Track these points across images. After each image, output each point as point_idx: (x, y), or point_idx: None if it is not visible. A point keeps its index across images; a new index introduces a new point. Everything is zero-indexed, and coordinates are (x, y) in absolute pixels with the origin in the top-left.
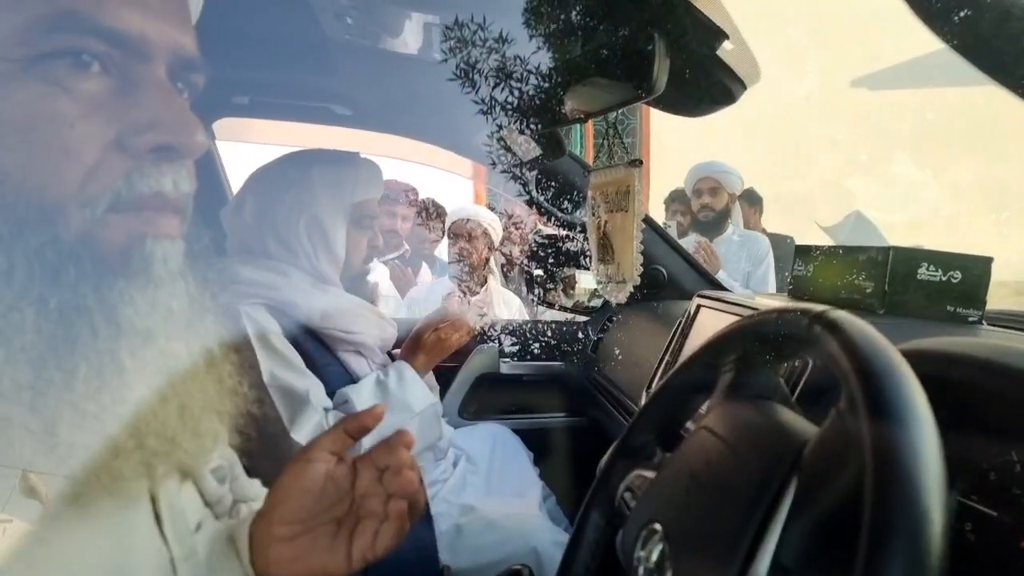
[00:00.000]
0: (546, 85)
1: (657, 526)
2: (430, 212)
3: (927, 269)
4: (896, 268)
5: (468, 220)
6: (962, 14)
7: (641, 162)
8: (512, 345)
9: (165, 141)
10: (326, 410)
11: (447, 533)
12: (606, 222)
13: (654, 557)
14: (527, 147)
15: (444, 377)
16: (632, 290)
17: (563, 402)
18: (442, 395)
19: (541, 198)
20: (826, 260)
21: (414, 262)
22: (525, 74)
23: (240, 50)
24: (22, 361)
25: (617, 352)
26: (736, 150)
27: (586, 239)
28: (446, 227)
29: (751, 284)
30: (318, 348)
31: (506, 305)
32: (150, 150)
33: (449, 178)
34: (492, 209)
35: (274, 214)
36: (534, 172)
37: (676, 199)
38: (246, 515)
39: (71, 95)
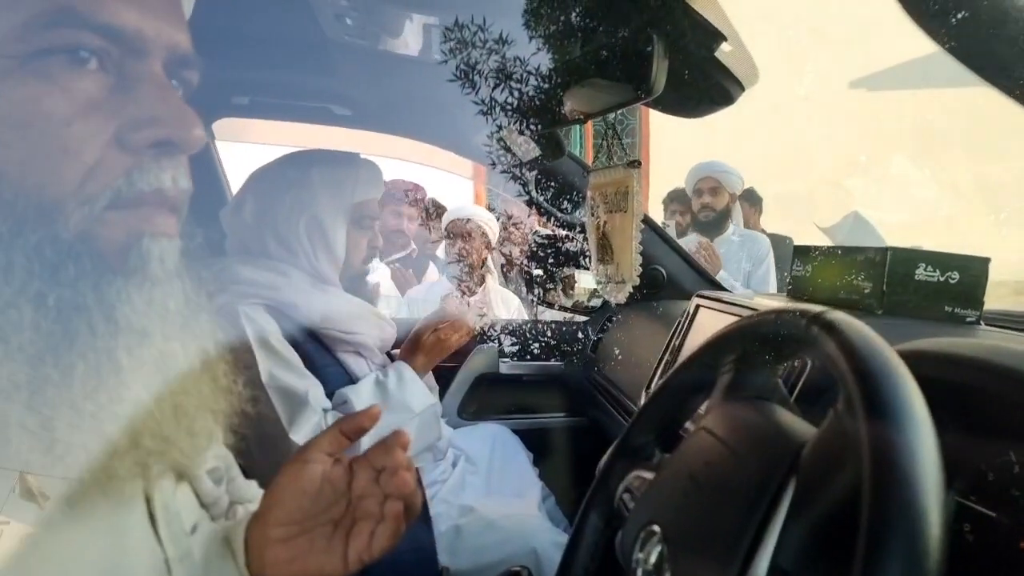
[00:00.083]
0: (546, 86)
1: (656, 527)
2: (430, 212)
3: (925, 269)
4: (894, 268)
5: (465, 220)
6: (959, 16)
7: (640, 163)
8: (511, 345)
9: (164, 136)
10: (325, 411)
11: (446, 534)
12: (605, 222)
13: (653, 558)
14: (527, 147)
15: (443, 377)
16: (631, 290)
17: (562, 402)
18: (441, 395)
19: (541, 198)
20: (825, 260)
21: (421, 262)
22: (525, 75)
23: (240, 50)
24: (20, 359)
25: (616, 352)
26: (735, 151)
27: (585, 239)
28: (443, 227)
29: (752, 284)
30: (317, 349)
31: (505, 305)
32: (149, 145)
33: (449, 178)
34: (491, 209)
35: (274, 214)
36: (534, 172)
37: (675, 199)
38: (242, 517)
39: (69, 92)
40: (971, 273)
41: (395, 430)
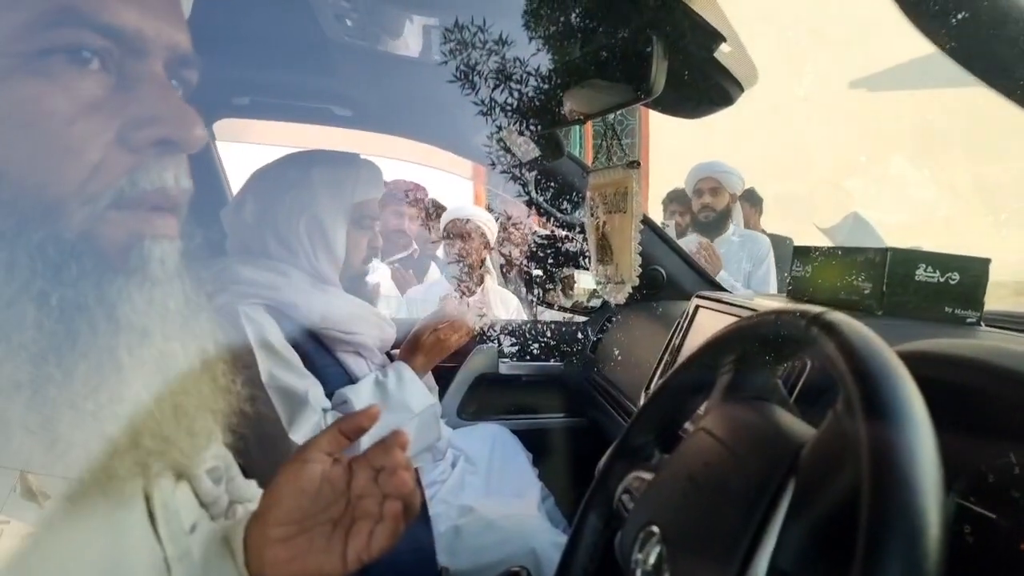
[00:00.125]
0: (545, 87)
1: (655, 528)
2: (430, 213)
3: (925, 270)
4: (894, 269)
5: (463, 220)
6: (959, 17)
7: (639, 163)
8: (511, 345)
9: (165, 135)
10: (325, 411)
11: (445, 534)
12: (605, 223)
13: (652, 559)
14: (526, 148)
15: (443, 377)
16: (631, 291)
17: (562, 403)
18: (441, 395)
19: (540, 199)
20: (824, 261)
21: (423, 262)
22: (524, 76)
23: (240, 51)
24: (22, 357)
25: (616, 353)
26: (734, 151)
27: (585, 240)
28: (441, 227)
29: (752, 284)
30: (317, 349)
31: (504, 305)
32: (151, 144)
33: (449, 179)
34: (490, 210)
35: (274, 214)
36: (533, 173)
37: (674, 199)
38: (242, 516)
39: (71, 92)
40: (971, 274)
41: (394, 430)
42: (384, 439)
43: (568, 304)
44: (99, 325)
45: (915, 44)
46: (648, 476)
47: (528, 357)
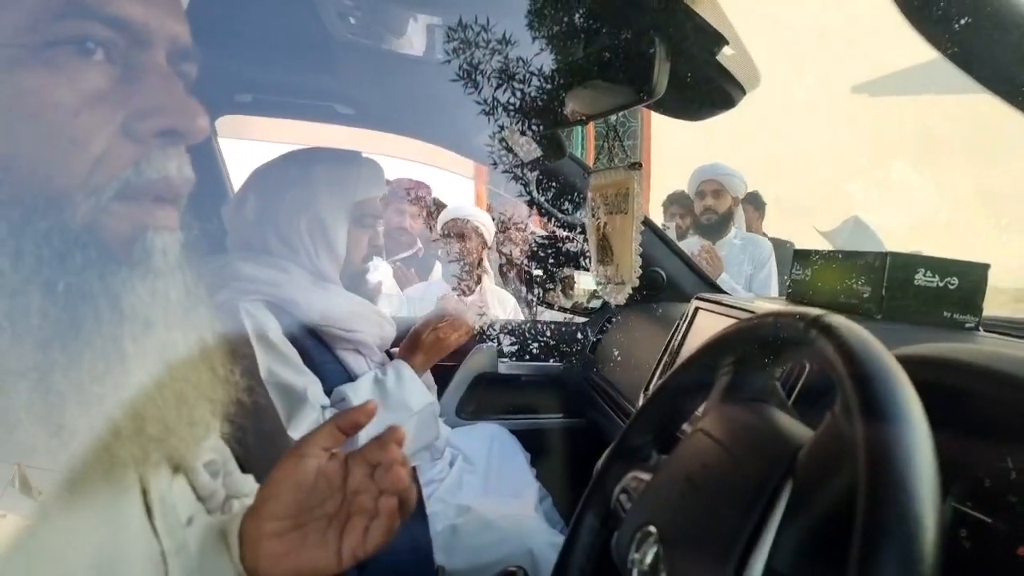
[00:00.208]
0: (548, 87)
1: (652, 528)
2: (432, 212)
3: (924, 275)
4: (893, 273)
5: (460, 220)
6: (961, 22)
7: (641, 165)
8: (510, 345)
9: (169, 125)
10: (323, 408)
11: (443, 533)
12: (605, 224)
13: (648, 559)
14: (528, 148)
15: (442, 376)
16: (631, 292)
17: (561, 403)
18: (440, 394)
19: (542, 199)
20: (824, 265)
21: (427, 261)
22: (527, 76)
23: (244, 48)
24: (28, 344)
25: (615, 354)
26: (736, 154)
27: (585, 240)
28: (438, 227)
29: (753, 287)
30: (317, 346)
31: (501, 304)
32: (155, 135)
33: (450, 178)
34: (490, 209)
35: (275, 211)
36: (535, 173)
37: (675, 201)
38: (238, 510)
39: (77, 83)
40: (970, 279)
41: (391, 426)
42: (381, 435)
43: (568, 304)
44: (104, 314)
45: (917, 50)
46: (646, 477)
47: (527, 357)
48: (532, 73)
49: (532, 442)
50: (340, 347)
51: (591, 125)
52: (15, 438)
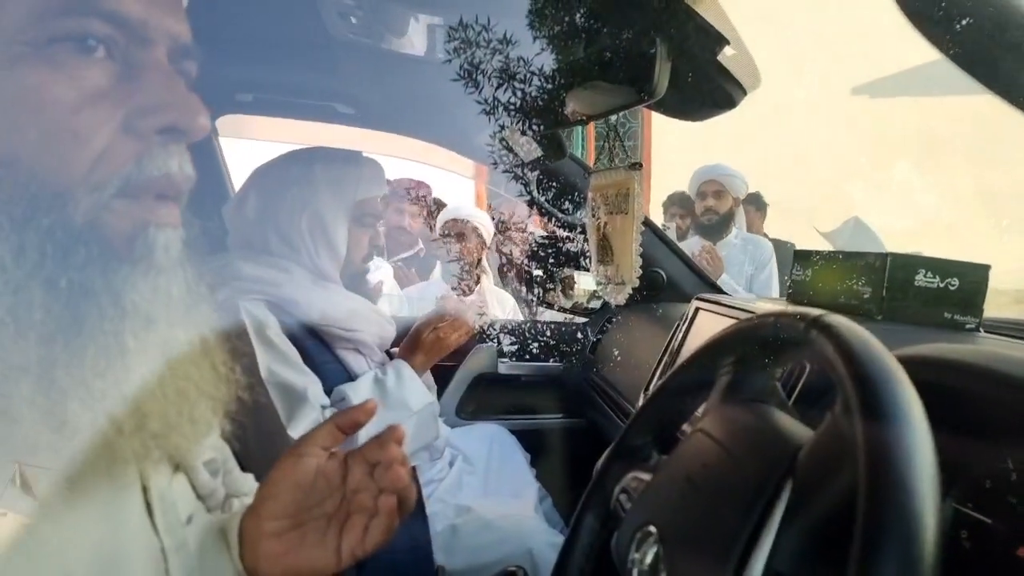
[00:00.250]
0: (549, 87)
1: (652, 528)
2: (433, 212)
3: (925, 275)
4: (894, 274)
5: (458, 220)
6: (963, 23)
7: (641, 165)
8: (510, 345)
9: (171, 122)
10: (323, 408)
11: (442, 533)
12: (606, 224)
13: (648, 559)
14: (529, 148)
15: (442, 376)
16: (631, 292)
17: (561, 403)
18: (440, 394)
19: (542, 199)
20: (825, 265)
21: (429, 261)
22: (528, 76)
23: (245, 47)
24: (30, 340)
25: (615, 354)
26: (737, 155)
27: (585, 240)
28: (437, 227)
29: (754, 288)
30: (317, 345)
31: (500, 304)
32: (156, 131)
33: (450, 178)
34: (491, 208)
35: (276, 211)
36: (535, 173)
37: (675, 202)
38: (238, 509)
39: (78, 80)
40: (971, 280)
41: (390, 425)
42: (380, 434)
43: (568, 305)
44: (106, 310)
45: (918, 51)
46: (646, 477)
47: (527, 357)
48: (533, 73)
49: (532, 442)
50: (340, 347)
51: (591, 125)
52: (17, 434)
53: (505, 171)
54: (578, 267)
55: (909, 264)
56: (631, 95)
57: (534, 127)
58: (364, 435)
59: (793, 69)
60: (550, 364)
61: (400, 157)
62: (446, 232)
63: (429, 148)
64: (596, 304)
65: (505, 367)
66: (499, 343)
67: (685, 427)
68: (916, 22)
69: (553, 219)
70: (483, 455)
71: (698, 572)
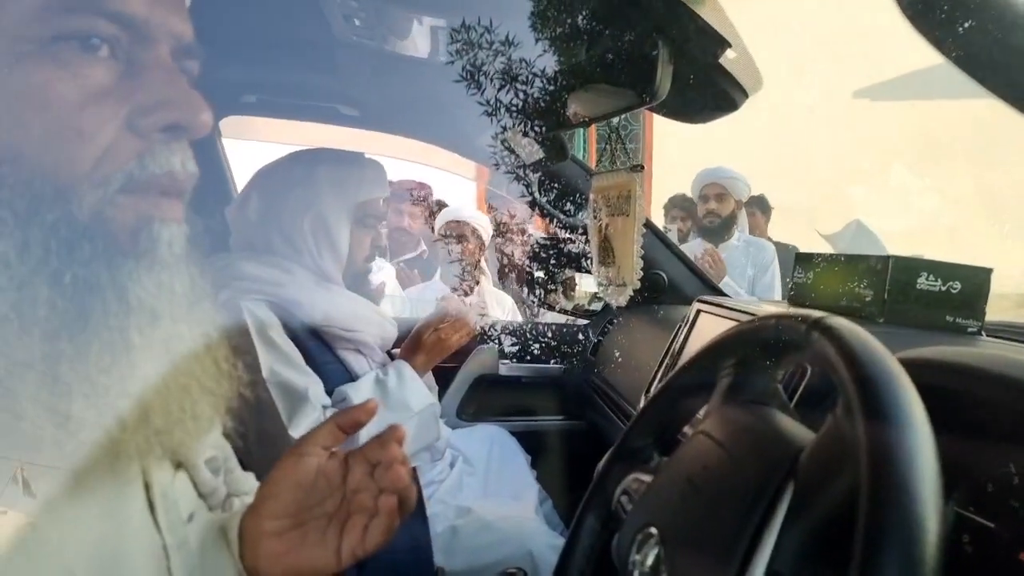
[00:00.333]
0: (551, 89)
1: (653, 530)
2: (434, 212)
3: (927, 279)
4: (896, 277)
5: (458, 222)
6: (965, 25)
7: (643, 167)
8: (511, 346)
9: (173, 120)
10: (324, 408)
11: (442, 534)
12: (607, 225)
13: (649, 561)
14: (531, 150)
15: (443, 377)
16: (632, 294)
17: (561, 405)
18: (441, 395)
19: (544, 200)
20: (826, 268)
21: (432, 263)
22: (530, 78)
23: (248, 49)
24: (35, 335)
25: (617, 356)
26: (738, 158)
27: (586, 242)
28: (437, 228)
29: (756, 291)
30: (318, 346)
31: (499, 306)
32: (159, 129)
33: (452, 179)
34: (491, 209)
35: (279, 212)
36: (537, 175)
37: (676, 205)
38: (238, 508)
39: (82, 78)
40: (973, 283)
41: (391, 425)
42: (381, 434)
43: (569, 306)
44: (111, 306)
45: (919, 55)
46: (647, 478)
47: (528, 359)
48: (535, 75)
49: (533, 444)
50: (341, 347)
51: (593, 127)
52: (22, 428)
53: (507, 173)
54: (579, 269)
55: (911, 267)
56: (633, 97)
57: (536, 129)
58: (365, 435)
59: (794, 72)
60: (551, 366)
61: (402, 159)
62: (445, 233)
63: (431, 150)
64: (597, 306)
65: (506, 368)
66: (500, 344)
67: (686, 429)
68: (917, 25)
69: (554, 220)
70: (484, 456)
71: (699, 574)
